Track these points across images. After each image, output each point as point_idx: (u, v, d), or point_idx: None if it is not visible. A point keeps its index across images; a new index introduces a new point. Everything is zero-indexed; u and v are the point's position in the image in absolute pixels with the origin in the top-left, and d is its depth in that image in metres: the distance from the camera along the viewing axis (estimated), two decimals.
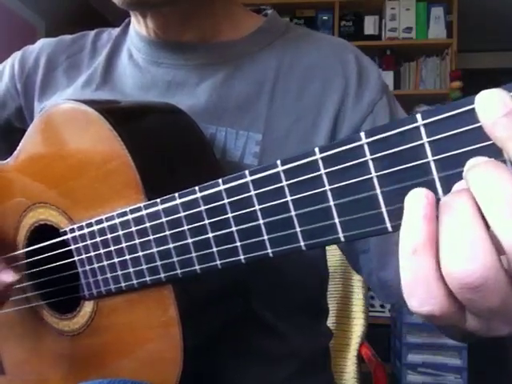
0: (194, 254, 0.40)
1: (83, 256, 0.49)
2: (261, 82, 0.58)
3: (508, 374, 2.34)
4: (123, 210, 0.45)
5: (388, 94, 0.59)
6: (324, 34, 0.66)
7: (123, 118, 0.49)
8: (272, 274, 0.54)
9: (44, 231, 0.54)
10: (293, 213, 0.33)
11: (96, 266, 0.49)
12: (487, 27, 3.21)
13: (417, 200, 0.26)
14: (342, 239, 0.31)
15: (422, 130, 0.27)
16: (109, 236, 0.46)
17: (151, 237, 0.43)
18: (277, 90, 0.58)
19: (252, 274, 0.50)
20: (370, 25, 2.94)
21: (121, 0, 0.54)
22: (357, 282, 1.10)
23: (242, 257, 0.37)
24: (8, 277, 0.52)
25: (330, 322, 1.06)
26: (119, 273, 0.47)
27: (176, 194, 0.40)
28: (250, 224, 0.36)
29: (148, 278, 0.45)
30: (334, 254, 1.08)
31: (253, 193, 0.35)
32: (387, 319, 2.62)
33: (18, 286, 0.57)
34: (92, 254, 0.49)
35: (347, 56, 0.59)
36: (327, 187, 0.31)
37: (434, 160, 0.27)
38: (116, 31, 0.68)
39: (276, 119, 0.57)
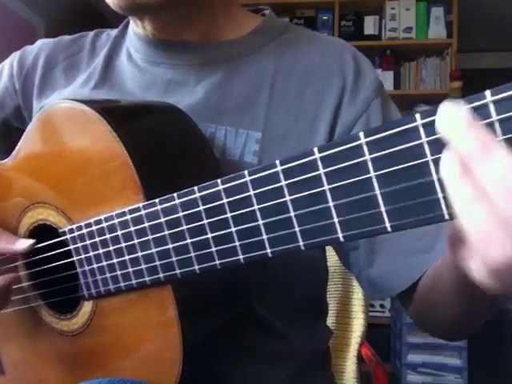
0: (192, 254, 0.40)
1: (82, 256, 0.49)
2: (260, 81, 0.58)
3: (508, 374, 2.34)
4: (122, 211, 0.45)
5: (383, 95, 0.59)
6: (322, 34, 0.66)
7: (122, 117, 0.49)
8: (272, 274, 0.54)
9: (43, 231, 0.54)
10: (292, 213, 0.33)
11: (95, 266, 0.48)
12: (487, 27, 3.21)
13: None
14: (342, 239, 0.31)
15: (421, 129, 0.27)
16: (108, 236, 0.46)
17: (150, 237, 0.43)
18: (276, 90, 0.58)
19: (251, 274, 0.50)
20: (369, 25, 2.94)
21: (115, 4, 0.54)
22: (356, 281, 1.09)
23: (240, 256, 0.37)
24: (4, 279, 0.52)
25: (330, 321, 1.06)
26: (118, 273, 0.47)
27: (175, 194, 0.40)
28: (249, 224, 0.36)
29: (147, 278, 0.45)
30: (333, 254, 1.08)
31: (252, 193, 0.35)
32: (387, 319, 2.61)
33: (17, 286, 0.57)
34: (91, 254, 0.48)
35: (345, 56, 0.59)
36: (326, 187, 0.31)
37: (432, 160, 0.27)
38: (115, 32, 0.68)
39: (275, 118, 0.57)
